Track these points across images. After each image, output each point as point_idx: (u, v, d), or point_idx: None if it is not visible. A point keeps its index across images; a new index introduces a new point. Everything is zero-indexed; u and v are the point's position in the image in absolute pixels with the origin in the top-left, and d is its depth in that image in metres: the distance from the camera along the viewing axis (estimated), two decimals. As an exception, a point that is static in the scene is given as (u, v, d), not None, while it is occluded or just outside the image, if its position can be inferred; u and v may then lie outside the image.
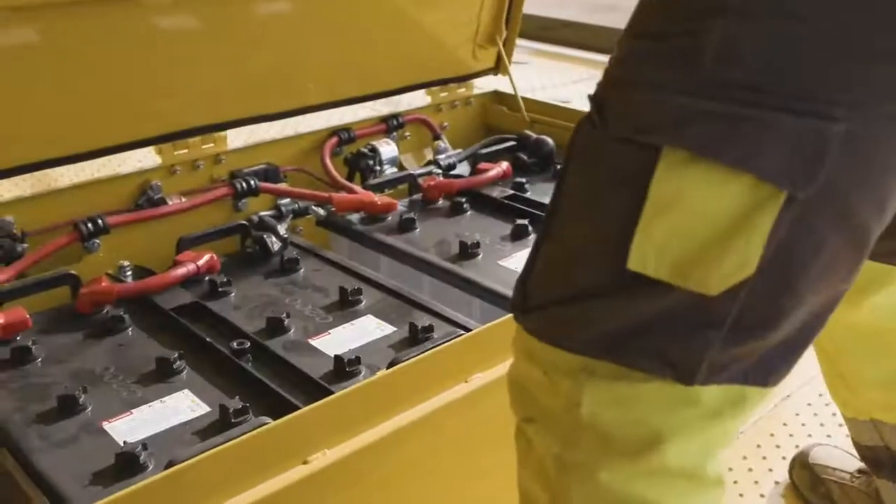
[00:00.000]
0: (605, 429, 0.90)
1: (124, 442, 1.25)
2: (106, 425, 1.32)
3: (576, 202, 0.92)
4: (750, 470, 1.90)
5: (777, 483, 1.87)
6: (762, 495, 1.83)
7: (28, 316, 1.54)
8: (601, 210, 0.87)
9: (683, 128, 0.79)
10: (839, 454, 1.80)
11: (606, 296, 0.87)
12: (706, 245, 0.80)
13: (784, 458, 1.91)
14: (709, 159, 0.79)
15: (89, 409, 1.36)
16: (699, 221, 0.80)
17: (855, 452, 1.66)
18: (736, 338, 0.84)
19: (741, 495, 1.83)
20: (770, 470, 1.90)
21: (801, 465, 1.82)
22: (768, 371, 0.90)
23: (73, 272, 1.69)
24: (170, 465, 1.14)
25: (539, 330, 0.95)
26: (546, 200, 2.10)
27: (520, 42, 2.62)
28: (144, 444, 1.23)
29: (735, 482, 1.86)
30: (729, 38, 0.77)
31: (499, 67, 2.59)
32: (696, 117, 0.79)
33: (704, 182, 0.79)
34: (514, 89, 2.55)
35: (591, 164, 0.89)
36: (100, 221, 1.81)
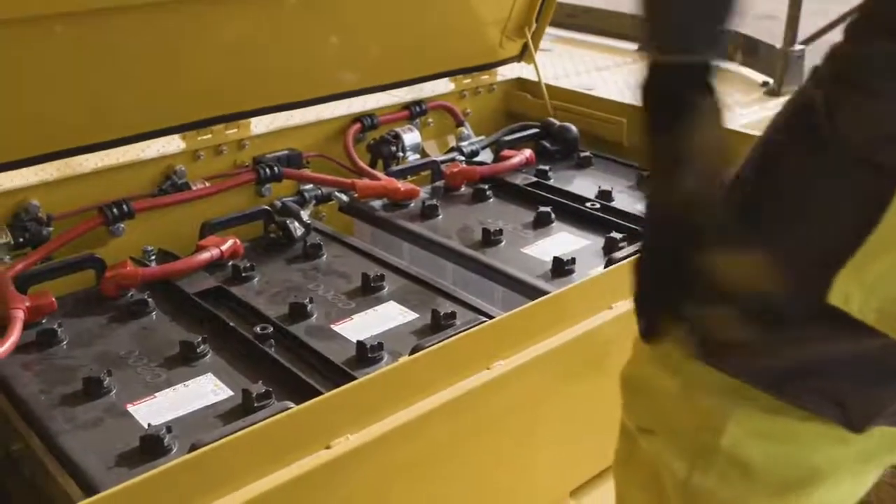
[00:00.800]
0: (747, 460, 0.84)
1: (148, 424, 1.27)
2: (130, 408, 1.33)
3: (772, 210, 0.81)
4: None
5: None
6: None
7: (54, 299, 1.55)
8: (805, 227, 0.77)
9: None
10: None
11: (787, 324, 0.78)
12: None
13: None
14: None
15: (114, 391, 1.37)
16: None
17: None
18: None
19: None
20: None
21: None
22: None
23: (98, 256, 1.70)
24: (193, 448, 1.14)
25: (689, 342, 0.86)
26: (569, 188, 2.13)
27: (543, 29, 2.60)
28: (168, 427, 1.24)
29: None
30: None
31: (524, 55, 2.58)
32: None
33: None
34: (539, 77, 2.53)
35: (806, 172, 0.78)
36: (125, 206, 1.83)
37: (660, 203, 0.88)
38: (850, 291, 0.73)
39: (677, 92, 0.80)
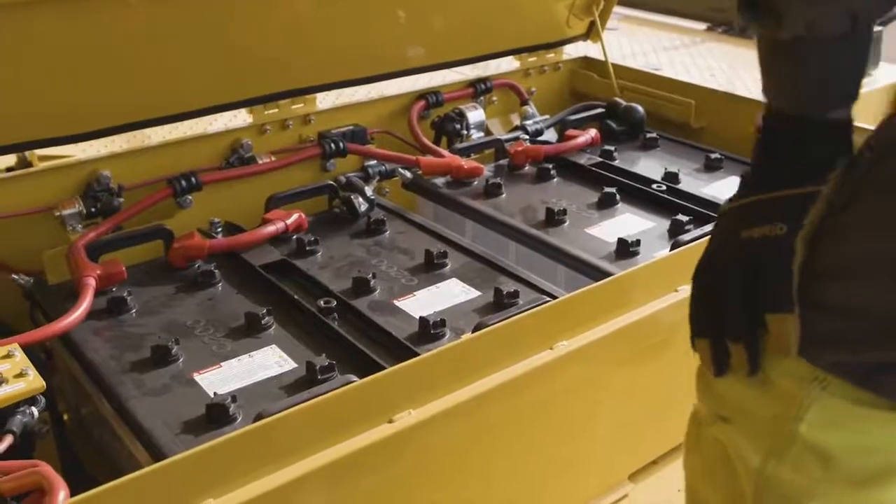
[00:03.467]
0: (825, 449, 0.82)
1: (214, 393, 1.28)
2: (196, 376, 1.35)
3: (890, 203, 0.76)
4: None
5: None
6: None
7: (124, 268, 1.59)
8: None
9: None
10: None
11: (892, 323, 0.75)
12: None
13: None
14: None
15: (181, 360, 1.39)
16: None
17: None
18: None
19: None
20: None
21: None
22: None
23: (166, 226, 1.73)
24: (258, 418, 1.16)
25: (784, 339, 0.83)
26: (635, 169, 2.11)
27: (610, 7, 2.57)
28: (233, 397, 1.26)
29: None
30: None
31: (590, 34, 2.55)
32: None
33: None
34: (605, 56, 2.50)
35: None
36: (193, 178, 1.85)
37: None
38: None
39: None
